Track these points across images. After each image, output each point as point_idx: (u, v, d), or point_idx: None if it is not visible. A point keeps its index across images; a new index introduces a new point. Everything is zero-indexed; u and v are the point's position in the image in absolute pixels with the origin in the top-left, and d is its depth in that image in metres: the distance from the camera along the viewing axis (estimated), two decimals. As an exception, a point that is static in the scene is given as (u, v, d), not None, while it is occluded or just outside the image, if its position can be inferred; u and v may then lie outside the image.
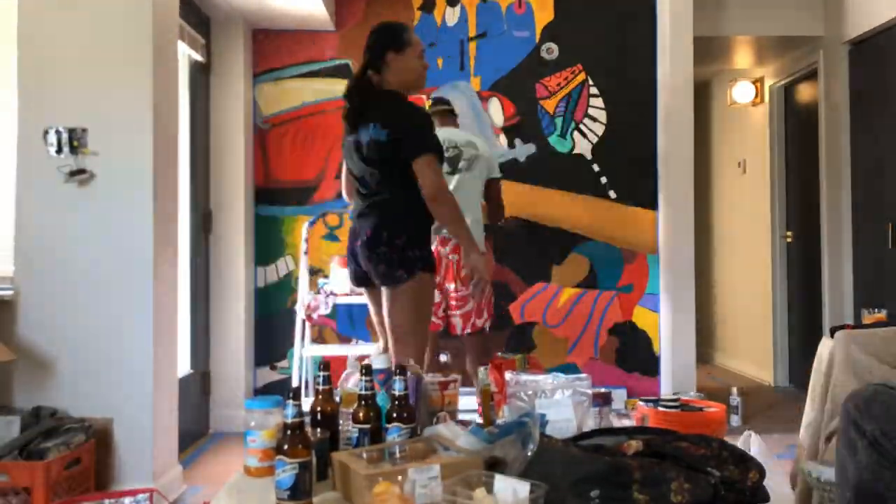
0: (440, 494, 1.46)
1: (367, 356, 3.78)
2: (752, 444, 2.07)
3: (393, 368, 1.95)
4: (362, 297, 4.21)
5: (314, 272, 4.59)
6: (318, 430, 1.84)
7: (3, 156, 3.27)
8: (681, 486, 1.53)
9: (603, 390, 3.34)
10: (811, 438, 2.50)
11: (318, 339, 4.59)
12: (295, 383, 4.17)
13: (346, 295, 4.18)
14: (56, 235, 3.07)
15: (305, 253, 4.38)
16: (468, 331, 3.70)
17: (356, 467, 1.60)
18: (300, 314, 4.23)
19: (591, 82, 4.66)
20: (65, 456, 2.80)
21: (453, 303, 3.67)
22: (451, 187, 3.39)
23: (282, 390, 4.29)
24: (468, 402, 3.14)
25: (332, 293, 4.19)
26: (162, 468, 3.17)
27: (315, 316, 4.20)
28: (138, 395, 3.08)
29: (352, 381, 2.14)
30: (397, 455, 1.68)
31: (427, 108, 3.92)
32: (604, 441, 1.77)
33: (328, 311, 4.23)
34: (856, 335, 2.47)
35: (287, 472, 1.61)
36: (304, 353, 4.26)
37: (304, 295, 4.25)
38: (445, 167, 3.56)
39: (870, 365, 2.37)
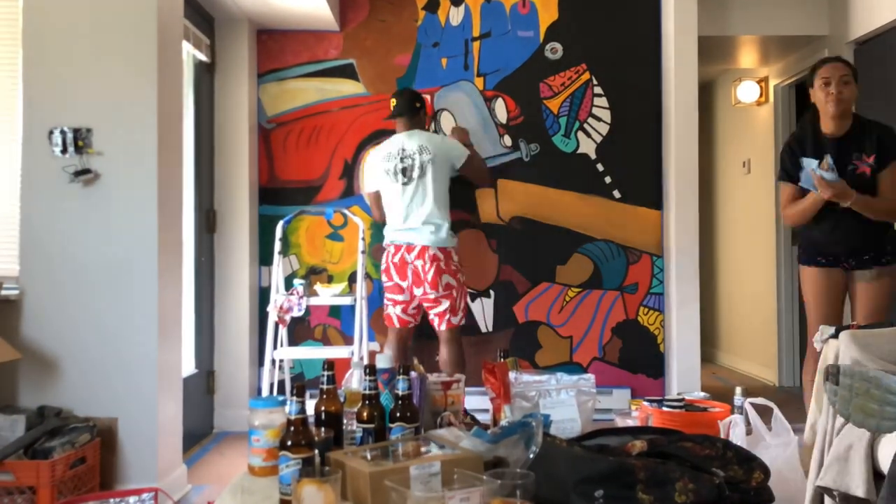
0: (440, 490, 1.46)
1: (347, 358, 3.87)
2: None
3: (397, 368, 1.96)
4: (340, 299, 4.24)
5: (317, 272, 4.60)
6: (323, 429, 1.84)
7: (9, 156, 3.28)
8: (685, 487, 1.53)
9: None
10: (816, 439, 2.50)
11: (322, 338, 4.59)
12: (265, 388, 4.11)
13: (318, 296, 4.23)
14: (61, 235, 3.08)
15: (280, 252, 4.36)
16: (443, 327, 3.98)
17: (358, 466, 1.61)
18: (272, 316, 4.17)
19: (595, 82, 4.65)
20: (69, 455, 2.81)
21: (427, 304, 3.97)
22: (410, 195, 3.94)
23: (285, 390, 4.30)
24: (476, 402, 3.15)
25: (305, 295, 4.16)
26: (166, 467, 3.18)
27: (287, 318, 4.17)
28: (143, 394, 3.08)
29: (355, 381, 2.14)
30: (399, 453, 1.69)
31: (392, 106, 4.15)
32: (608, 441, 1.77)
33: (301, 313, 4.22)
34: (860, 335, 2.46)
35: (290, 467, 1.61)
36: (276, 355, 4.17)
37: (275, 296, 4.20)
38: (401, 178, 3.96)
39: (874, 366, 2.36)
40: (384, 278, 4.05)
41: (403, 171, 3.95)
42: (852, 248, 3.32)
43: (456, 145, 4.11)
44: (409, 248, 3.93)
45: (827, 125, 3.36)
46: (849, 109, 3.35)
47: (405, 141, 4.01)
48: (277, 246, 4.37)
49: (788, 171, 3.41)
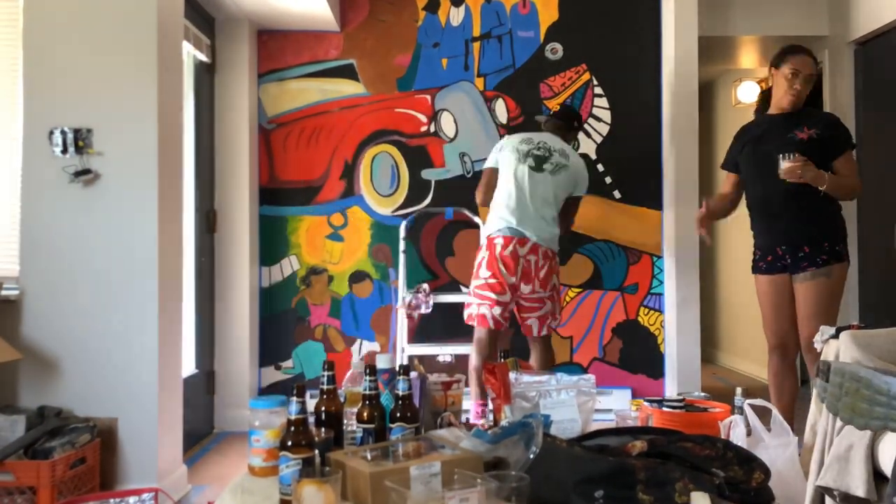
0: (440, 491, 1.46)
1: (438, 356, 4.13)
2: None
3: (397, 368, 1.96)
4: (453, 297, 4.26)
5: (317, 272, 4.60)
6: (323, 429, 1.84)
7: (9, 156, 3.28)
8: (685, 487, 1.53)
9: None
10: (816, 439, 2.50)
11: (323, 338, 4.60)
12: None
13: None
14: (61, 235, 3.08)
15: (403, 251, 4.38)
16: (544, 333, 3.71)
17: (358, 466, 1.60)
18: (401, 313, 4.26)
19: (595, 82, 4.65)
20: (70, 455, 2.81)
21: (526, 304, 3.66)
22: (534, 183, 3.66)
23: (286, 390, 4.29)
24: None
25: (431, 292, 4.25)
26: (167, 467, 3.18)
27: (416, 315, 4.25)
28: (143, 394, 3.08)
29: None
30: (399, 453, 1.68)
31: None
32: (608, 441, 1.77)
33: (429, 311, 4.26)
34: (860, 336, 2.46)
35: (290, 467, 1.61)
36: (406, 352, 4.24)
37: (403, 293, 4.32)
38: (531, 161, 3.69)
39: (873, 365, 2.36)
40: (485, 273, 3.63)
41: (537, 158, 3.71)
42: (786, 243, 3.33)
43: (586, 176, 3.87)
44: (522, 241, 3.61)
45: (777, 107, 3.43)
46: (801, 105, 3.40)
47: (548, 138, 3.81)
48: (401, 245, 4.37)
49: (728, 159, 3.58)
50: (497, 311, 3.62)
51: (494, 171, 3.78)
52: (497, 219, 3.68)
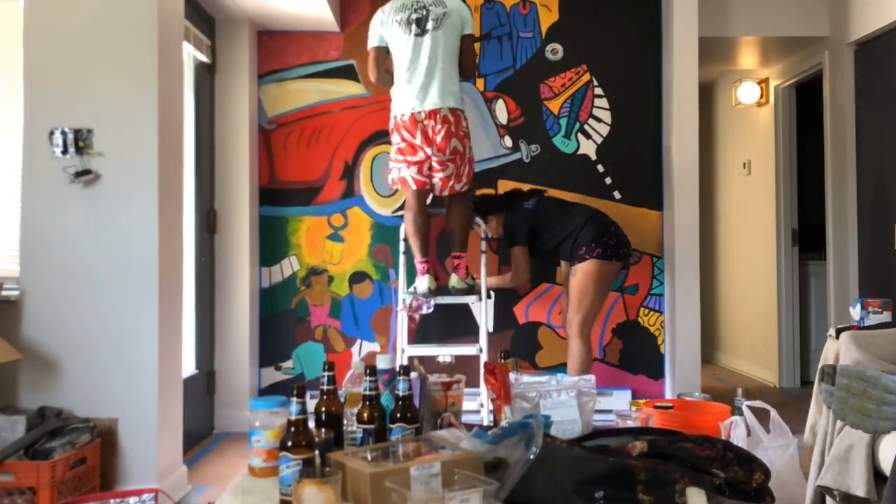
0: (440, 491, 1.46)
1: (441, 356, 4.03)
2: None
3: (397, 369, 1.96)
4: (453, 298, 4.12)
5: (318, 272, 4.60)
6: (323, 430, 1.84)
7: (9, 156, 3.28)
8: (686, 488, 1.53)
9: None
10: (816, 439, 2.50)
11: (323, 339, 4.60)
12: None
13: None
14: (61, 236, 3.08)
15: (404, 252, 4.29)
16: (446, 193, 3.91)
17: (358, 467, 1.60)
18: (402, 314, 4.15)
19: (595, 83, 4.65)
20: (70, 456, 2.81)
21: (434, 164, 3.84)
22: (422, 49, 3.78)
23: (286, 391, 4.29)
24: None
25: (433, 294, 4.10)
26: (167, 468, 3.18)
27: (416, 316, 4.19)
28: (143, 395, 3.08)
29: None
30: (400, 453, 1.69)
31: None
32: (608, 442, 1.77)
33: (429, 311, 4.17)
34: (860, 336, 2.46)
35: (291, 468, 1.62)
36: (406, 353, 4.06)
37: (404, 295, 4.19)
38: (414, 28, 3.79)
39: (874, 366, 2.36)
40: (396, 139, 3.86)
41: (417, 21, 3.79)
42: None
43: (470, 14, 3.94)
44: (419, 111, 3.78)
45: None
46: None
47: None
48: (402, 246, 4.31)
49: None
50: (413, 170, 3.84)
51: (379, 50, 3.94)
52: (398, 99, 3.86)
